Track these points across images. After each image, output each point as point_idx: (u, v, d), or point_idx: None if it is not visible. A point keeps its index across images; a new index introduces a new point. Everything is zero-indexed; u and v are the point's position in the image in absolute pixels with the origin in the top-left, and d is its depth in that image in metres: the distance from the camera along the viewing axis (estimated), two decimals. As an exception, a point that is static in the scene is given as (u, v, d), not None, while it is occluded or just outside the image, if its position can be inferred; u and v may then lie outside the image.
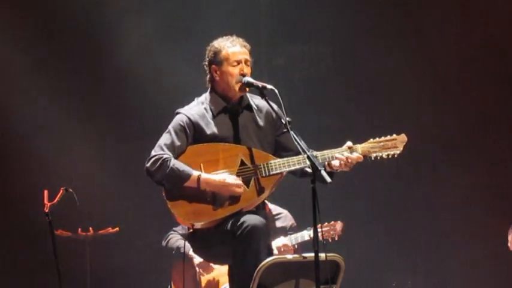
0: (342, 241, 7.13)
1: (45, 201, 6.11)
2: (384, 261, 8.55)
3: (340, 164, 5.35)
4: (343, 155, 5.35)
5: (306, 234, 7.19)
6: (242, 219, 5.19)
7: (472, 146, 8.55)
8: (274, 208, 7.25)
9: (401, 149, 5.46)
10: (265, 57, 8.82)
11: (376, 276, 8.54)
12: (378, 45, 8.71)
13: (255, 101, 5.54)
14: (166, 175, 5.26)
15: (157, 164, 5.27)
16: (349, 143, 5.43)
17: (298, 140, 5.09)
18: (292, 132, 5.12)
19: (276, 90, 5.19)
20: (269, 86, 5.29)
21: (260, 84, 5.33)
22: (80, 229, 7.87)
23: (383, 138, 5.47)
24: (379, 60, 8.69)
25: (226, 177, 5.28)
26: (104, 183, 8.42)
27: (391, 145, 5.45)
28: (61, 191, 6.19)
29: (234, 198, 5.29)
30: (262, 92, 5.33)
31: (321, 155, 5.35)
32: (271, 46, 8.92)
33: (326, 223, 7.15)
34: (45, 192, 6.14)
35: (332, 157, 5.35)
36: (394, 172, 8.47)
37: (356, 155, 5.38)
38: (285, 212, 7.43)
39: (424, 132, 8.41)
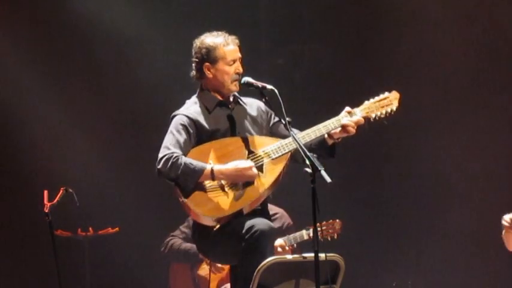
0: (341, 241, 7.13)
1: (45, 201, 6.11)
2: (384, 261, 8.55)
3: (347, 130, 5.41)
4: (344, 121, 5.41)
5: (305, 234, 7.18)
6: (251, 223, 5.21)
7: (471, 145, 8.56)
8: (270, 208, 7.21)
9: (397, 104, 5.59)
10: (265, 57, 8.82)
11: (376, 276, 8.54)
12: (378, 45, 8.71)
13: (242, 99, 5.60)
14: (180, 172, 5.25)
15: (169, 163, 5.26)
16: (347, 108, 5.51)
17: (298, 140, 5.11)
18: (292, 133, 5.15)
19: (276, 90, 5.21)
20: (269, 86, 5.30)
21: (260, 84, 5.34)
22: (80, 229, 7.88)
23: (376, 98, 5.59)
24: (379, 60, 8.69)
25: (238, 163, 5.29)
26: (104, 183, 8.42)
27: (386, 103, 5.58)
28: (61, 191, 6.20)
29: (251, 186, 5.30)
30: (262, 92, 5.34)
31: (323, 127, 5.40)
32: (271, 46, 8.93)
33: (325, 222, 7.15)
34: (45, 192, 6.14)
35: (334, 126, 5.40)
36: (393, 170, 8.47)
37: (356, 119, 5.46)
38: (280, 211, 7.41)
39: (424, 130, 8.41)
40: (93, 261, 7.95)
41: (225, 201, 5.29)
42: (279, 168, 5.36)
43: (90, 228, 7.89)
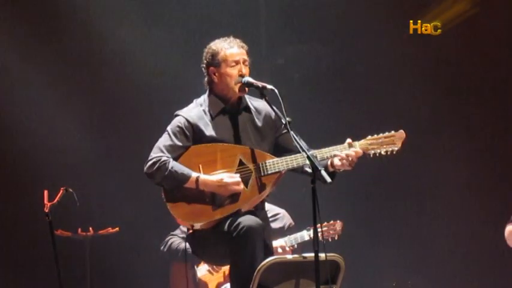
0: (341, 241, 7.13)
1: (45, 201, 6.11)
2: (384, 261, 8.55)
3: (342, 163, 5.36)
4: (342, 152, 5.36)
5: (306, 235, 7.19)
6: (238, 220, 5.22)
7: (470, 145, 8.56)
8: (271, 208, 7.22)
9: (400, 145, 5.51)
10: (265, 57, 8.82)
11: (376, 276, 8.54)
12: (377, 45, 8.71)
13: (254, 103, 5.55)
14: (164, 177, 5.28)
15: (156, 166, 5.29)
16: (348, 140, 5.45)
17: (298, 140, 5.11)
18: (292, 132, 5.13)
19: (276, 90, 5.21)
20: (269, 86, 5.30)
21: (260, 84, 5.34)
22: (80, 229, 7.88)
23: (381, 134, 5.50)
24: (379, 60, 8.70)
25: (224, 177, 5.29)
26: (104, 183, 8.42)
27: (389, 141, 5.49)
28: (61, 191, 6.20)
29: (233, 198, 5.30)
30: (262, 92, 5.34)
31: (319, 153, 5.36)
32: (271, 46, 8.92)
33: (325, 222, 7.15)
34: (45, 192, 6.14)
35: (332, 155, 5.36)
36: (394, 171, 8.47)
37: (354, 151, 5.38)
38: (282, 211, 7.42)
39: (423, 130, 8.41)
40: (93, 261, 7.94)
41: (202, 209, 5.31)
42: (265, 185, 5.35)
43: (90, 228, 7.89)
